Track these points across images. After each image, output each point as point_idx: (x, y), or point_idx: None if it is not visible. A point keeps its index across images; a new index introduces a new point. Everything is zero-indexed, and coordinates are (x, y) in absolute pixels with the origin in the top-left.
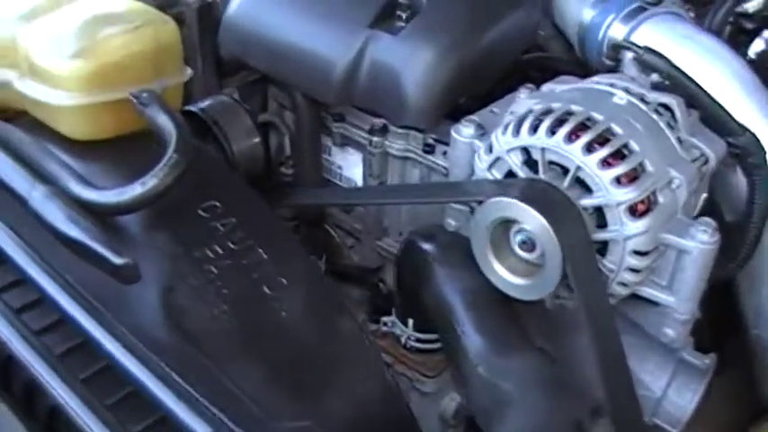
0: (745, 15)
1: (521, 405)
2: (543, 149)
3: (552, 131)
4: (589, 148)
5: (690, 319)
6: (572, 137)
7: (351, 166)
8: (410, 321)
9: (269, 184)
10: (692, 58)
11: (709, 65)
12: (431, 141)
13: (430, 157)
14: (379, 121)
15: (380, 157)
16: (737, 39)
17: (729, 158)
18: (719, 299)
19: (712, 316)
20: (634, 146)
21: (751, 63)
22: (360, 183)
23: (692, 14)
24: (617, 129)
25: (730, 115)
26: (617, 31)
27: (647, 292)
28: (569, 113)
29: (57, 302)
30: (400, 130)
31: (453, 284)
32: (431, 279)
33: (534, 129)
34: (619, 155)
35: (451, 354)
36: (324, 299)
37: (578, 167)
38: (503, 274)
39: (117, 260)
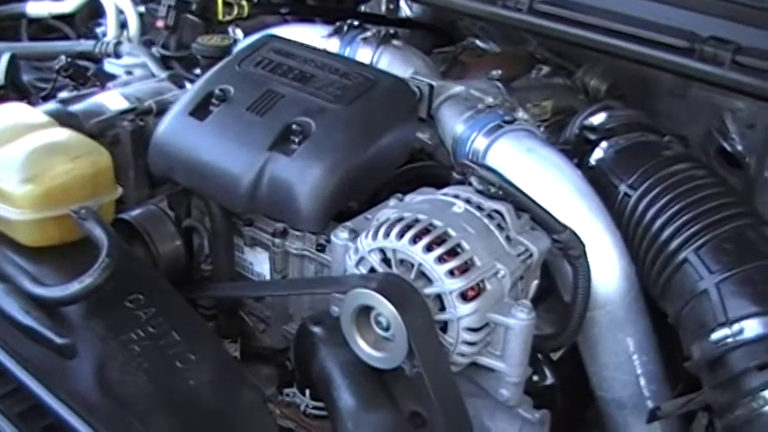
0: (590, 128)
1: None
2: (394, 250)
3: (401, 235)
4: (429, 248)
5: (519, 381)
6: (416, 240)
7: (260, 263)
8: (307, 392)
9: (192, 279)
10: (532, 167)
11: (547, 172)
12: (323, 242)
13: (322, 255)
14: (280, 226)
15: (282, 256)
16: (584, 148)
17: (557, 251)
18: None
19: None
20: (465, 245)
21: (591, 169)
22: (268, 277)
23: (542, 129)
24: (452, 232)
25: (552, 216)
26: (480, 143)
27: (485, 360)
28: (416, 221)
29: (14, 374)
30: (298, 233)
31: (334, 359)
32: (317, 355)
33: (387, 234)
34: (453, 253)
35: (331, 415)
36: (227, 372)
37: (420, 264)
38: (364, 348)
39: (59, 340)
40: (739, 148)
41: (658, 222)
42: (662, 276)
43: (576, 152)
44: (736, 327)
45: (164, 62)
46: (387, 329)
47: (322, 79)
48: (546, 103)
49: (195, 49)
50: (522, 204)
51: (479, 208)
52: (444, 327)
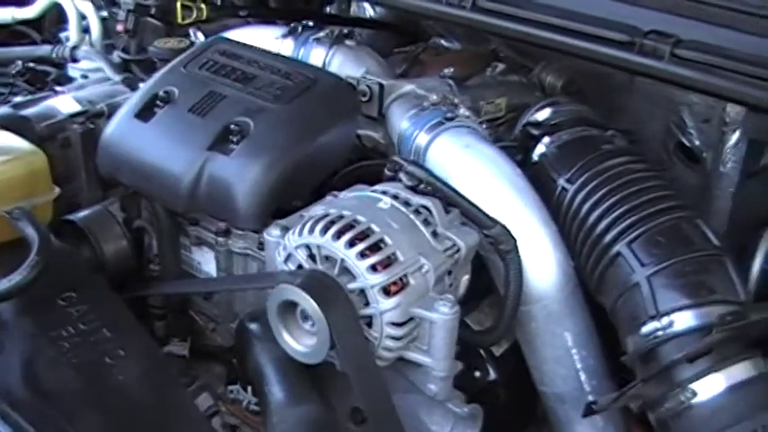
0: (534, 124)
1: None
2: (319, 246)
3: (325, 231)
4: (351, 244)
5: (447, 375)
6: (339, 235)
7: (207, 262)
8: (249, 388)
9: (140, 278)
10: (470, 162)
11: (483, 167)
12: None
13: (264, 253)
14: (222, 225)
15: (226, 254)
16: (529, 144)
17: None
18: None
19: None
20: (388, 240)
21: (534, 165)
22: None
23: (485, 126)
24: (375, 228)
25: (482, 211)
26: (422, 140)
27: (412, 355)
28: (340, 217)
29: None
30: (240, 232)
31: (267, 354)
32: (252, 351)
33: (312, 230)
34: (375, 248)
35: (262, 409)
36: (156, 368)
37: (343, 259)
38: (289, 342)
39: None
40: (697, 142)
41: (593, 216)
42: (597, 270)
43: (521, 148)
44: (665, 320)
45: (124, 66)
46: (313, 325)
47: (263, 80)
48: (500, 100)
49: (152, 52)
50: (452, 200)
51: (407, 204)
52: (369, 322)
